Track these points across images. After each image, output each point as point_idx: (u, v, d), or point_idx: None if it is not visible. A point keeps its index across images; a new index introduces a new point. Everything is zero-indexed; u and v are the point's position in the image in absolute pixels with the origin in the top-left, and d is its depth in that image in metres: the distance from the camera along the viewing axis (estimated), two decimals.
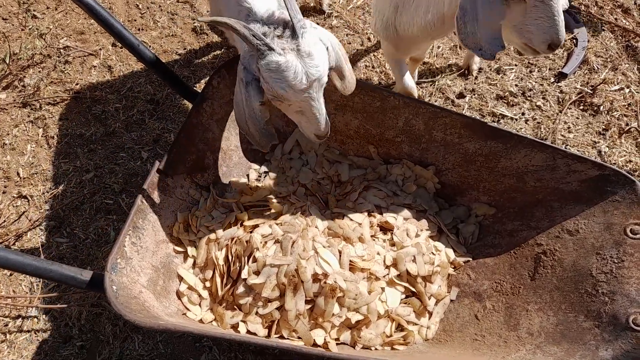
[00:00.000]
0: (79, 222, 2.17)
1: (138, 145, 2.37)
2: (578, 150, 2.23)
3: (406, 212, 1.70)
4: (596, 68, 2.48)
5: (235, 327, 1.49)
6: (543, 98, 2.42)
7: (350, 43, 2.63)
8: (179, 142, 1.63)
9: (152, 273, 1.49)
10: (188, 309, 1.53)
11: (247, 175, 1.83)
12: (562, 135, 2.29)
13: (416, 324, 1.56)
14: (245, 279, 1.51)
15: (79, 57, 2.67)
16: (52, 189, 2.27)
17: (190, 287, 1.57)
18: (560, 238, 1.51)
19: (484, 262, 1.65)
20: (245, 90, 1.30)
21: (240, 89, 1.32)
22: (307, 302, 1.48)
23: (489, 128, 1.59)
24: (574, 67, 2.46)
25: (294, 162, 1.85)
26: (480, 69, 2.50)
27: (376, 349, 1.51)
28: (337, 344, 1.48)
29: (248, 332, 1.48)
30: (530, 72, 2.50)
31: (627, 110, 2.36)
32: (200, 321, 1.52)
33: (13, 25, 2.81)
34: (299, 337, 1.47)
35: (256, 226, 1.64)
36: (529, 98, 2.41)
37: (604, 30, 2.63)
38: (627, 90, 2.41)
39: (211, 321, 1.52)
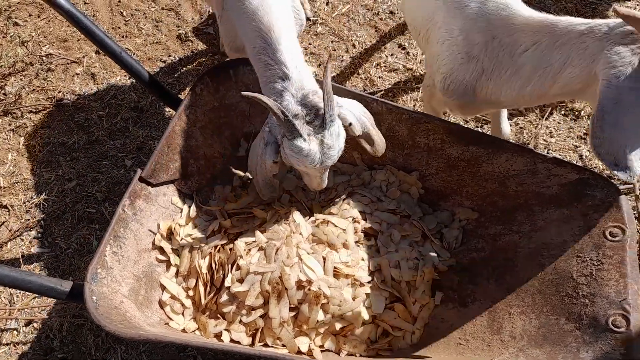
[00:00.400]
0: (60, 232, 2.14)
1: (122, 153, 2.35)
2: (560, 155, 2.26)
3: (390, 218, 1.71)
4: None
5: (218, 336, 1.47)
6: None
7: (335, 50, 2.65)
8: (162, 150, 1.62)
9: (133, 282, 1.48)
10: (171, 319, 1.51)
11: (231, 183, 1.82)
12: (544, 140, 2.32)
13: (401, 329, 1.56)
14: (228, 287, 1.50)
15: (62, 64, 2.65)
16: (33, 198, 2.24)
17: (173, 297, 1.55)
18: (542, 242, 1.52)
19: (468, 267, 1.66)
20: (264, 148, 1.43)
21: (260, 144, 1.45)
22: (291, 309, 1.47)
23: (471, 133, 1.61)
24: None
25: None
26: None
27: (361, 355, 1.51)
28: (321, 350, 1.48)
29: (232, 340, 1.46)
30: None
31: None
32: (183, 330, 1.50)
33: None
34: (283, 345, 1.46)
35: (240, 234, 1.63)
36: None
37: None
38: None
39: (194, 330, 1.51)
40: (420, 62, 2.60)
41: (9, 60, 2.66)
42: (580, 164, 2.22)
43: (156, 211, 1.62)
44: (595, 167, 2.26)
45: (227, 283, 1.49)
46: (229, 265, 1.53)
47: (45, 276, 1.37)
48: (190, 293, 1.57)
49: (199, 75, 2.58)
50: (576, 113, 2.39)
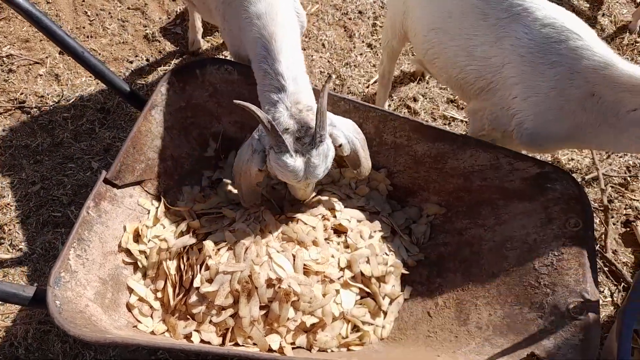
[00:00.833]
0: (24, 237, 2.08)
1: (88, 155, 2.30)
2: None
3: (359, 215, 1.73)
4: None
5: (188, 337, 1.46)
6: None
7: (305, 49, 2.65)
8: (127, 151, 1.59)
9: (99, 286, 1.45)
10: (139, 321, 1.49)
11: (200, 183, 1.81)
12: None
13: (371, 324, 1.58)
14: (198, 288, 1.48)
15: (24, 65, 2.58)
16: None
17: (140, 299, 1.53)
18: (506, 235, 1.57)
19: (436, 261, 1.69)
20: (252, 155, 1.43)
21: (248, 151, 1.45)
22: (261, 307, 1.47)
23: (436, 130, 1.64)
24: None
25: None
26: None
27: (332, 351, 1.52)
28: (293, 348, 1.48)
29: (202, 341, 1.45)
30: None
31: None
32: (152, 333, 1.48)
33: None
34: (254, 344, 1.46)
35: (209, 234, 1.62)
36: None
37: None
38: None
39: (163, 332, 1.49)
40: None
41: None
42: (542, 158, 2.29)
43: (122, 213, 1.59)
44: (558, 162, 2.34)
45: (196, 284, 1.48)
46: (198, 266, 1.52)
47: (7, 282, 1.33)
48: (159, 295, 1.55)
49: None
50: None
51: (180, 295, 1.51)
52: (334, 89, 2.52)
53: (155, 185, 1.70)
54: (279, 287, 1.46)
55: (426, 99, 2.51)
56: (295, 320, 1.48)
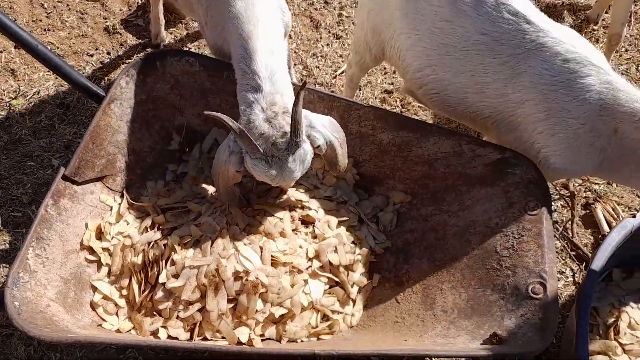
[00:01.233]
0: None
1: (48, 152, 2.23)
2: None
3: (327, 205, 1.73)
4: None
5: (155, 333, 1.44)
6: None
7: None
8: (86, 147, 1.55)
9: (61, 285, 1.41)
10: (104, 320, 1.47)
11: (164, 177, 1.78)
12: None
13: (341, 313, 1.60)
14: (163, 284, 1.47)
15: None
16: None
17: (105, 297, 1.50)
18: (469, 219, 1.60)
19: (403, 247, 1.71)
20: (229, 156, 1.43)
21: (225, 151, 1.45)
22: (229, 300, 1.46)
23: (400, 118, 1.65)
24: None
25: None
26: None
27: (302, 340, 1.53)
28: (262, 339, 1.48)
29: (169, 337, 1.44)
30: None
31: None
32: (118, 331, 1.46)
33: None
34: (222, 337, 1.45)
35: (174, 229, 1.59)
36: None
37: None
38: None
39: (129, 330, 1.47)
40: None
41: None
42: None
43: (83, 210, 1.55)
44: None
45: (162, 279, 1.46)
46: (164, 262, 1.50)
47: None
48: (124, 292, 1.52)
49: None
50: None
51: (146, 292, 1.49)
52: (301, 79, 2.51)
53: (118, 180, 1.67)
54: (247, 280, 1.46)
55: (396, 89, 2.53)
56: (263, 312, 1.48)
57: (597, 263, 1.65)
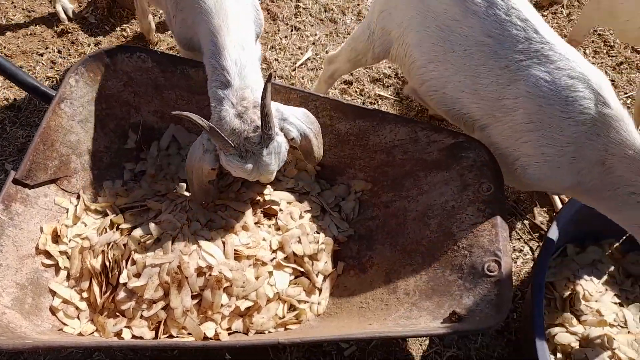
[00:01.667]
0: None
1: (0, 157, 2.15)
2: (445, 124, 2.43)
3: (289, 196, 1.74)
4: None
5: (119, 334, 1.42)
6: None
7: None
8: (37, 149, 1.51)
9: (17, 292, 1.38)
10: (65, 324, 1.44)
11: (122, 177, 1.75)
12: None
13: (307, 302, 1.61)
14: (125, 284, 1.45)
15: None
16: None
17: (65, 301, 1.47)
18: (427, 204, 1.64)
19: (365, 235, 1.74)
20: (203, 155, 1.42)
21: (199, 149, 1.43)
22: (193, 297, 1.46)
23: (355, 108, 1.67)
24: None
25: (173, 158, 1.80)
26: None
27: (270, 331, 1.54)
28: (229, 333, 1.48)
29: (134, 337, 1.42)
30: None
31: None
32: (80, 334, 1.43)
33: None
34: (189, 334, 1.45)
35: (134, 228, 1.57)
36: (402, 78, 2.57)
37: None
38: None
39: (92, 332, 1.44)
40: (314, 44, 2.63)
41: None
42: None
43: (37, 214, 1.51)
44: None
45: (123, 279, 1.45)
46: (124, 262, 1.48)
47: None
48: (85, 295, 1.50)
49: None
50: None
51: (108, 293, 1.47)
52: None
53: (73, 182, 1.63)
54: (210, 275, 1.46)
55: (353, 78, 2.55)
56: (229, 305, 1.48)
57: (551, 237, 1.73)
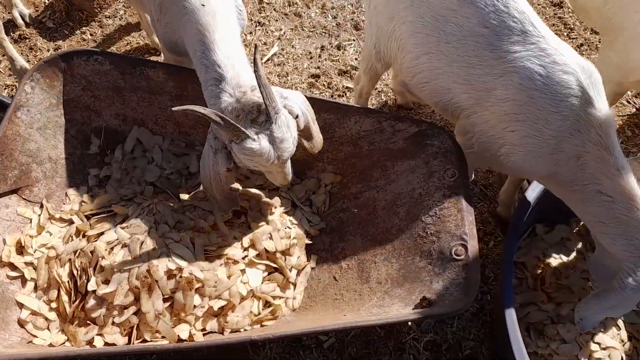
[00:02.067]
0: None
1: None
2: (412, 113, 2.45)
3: (258, 193, 1.74)
4: None
5: (90, 342, 1.41)
6: None
7: None
8: None
9: None
10: (35, 336, 1.41)
11: (87, 183, 1.72)
12: None
13: (282, 297, 1.62)
14: (94, 291, 1.43)
15: None
16: None
17: (33, 312, 1.44)
18: (395, 192, 1.66)
19: (337, 227, 1.75)
20: (214, 157, 1.36)
21: (209, 154, 1.37)
22: (165, 300, 1.45)
23: (319, 102, 1.67)
24: None
25: (138, 161, 1.77)
26: (322, 47, 2.61)
27: (245, 329, 1.54)
28: (204, 334, 1.48)
29: (106, 344, 1.41)
30: None
31: None
32: (51, 345, 1.41)
33: None
34: (163, 337, 1.44)
35: (101, 234, 1.55)
36: None
37: None
38: None
39: (64, 342, 1.42)
40: (279, 39, 2.62)
41: None
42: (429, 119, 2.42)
43: None
44: (445, 119, 2.49)
45: (92, 287, 1.43)
46: (92, 269, 1.46)
47: None
48: (54, 305, 1.47)
49: None
50: None
51: (77, 302, 1.45)
52: None
53: (35, 191, 1.60)
54: (181, 277, 1.45)
55: (321, 71, 2.55)
56: (202, 306, 1.48)
57: (517, 216, 1.76)
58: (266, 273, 1.63)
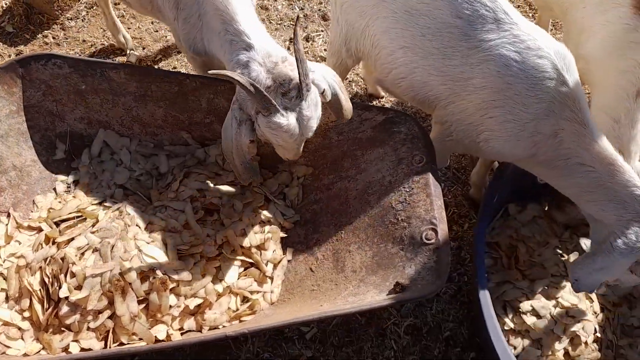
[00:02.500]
0: None
1: None
2: (386, 101, 2.46)
3: (230, 190, 1.74)
4: None
5: (66, 349, 1.40)
6: None
7: (152, 23, 2.53)
8: None
9: None
10: (8, 346, 1.40)
11: (54, 189, 1.70)
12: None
13: (259, 292, 1.62)
14: (67, 297, 1.42)
15: None
16: None
17: (6, 323, 1.43)
18: (366, 181, 1.67)
19: (311, 218, 1.76)
20: (238, 128, 1.33)
21: (232, 125, 1.34)
22: (140, 301, 1.44)
23: None
24: None
25: (107, 164, 1.75)
26: (290, 39, 2.60)
27: (224, 326, 1.54)
28: (182, 333, 1.48)
29: (82, 349, 1.40)
30: None
31: None
32: (26, 355, 1.40)
33: None
34: (140, 339, 1.44)
35: (71, 240, 1.53)
36: None
37: None
38: None
39: (39, 351, 1.41)
40: None
41: None
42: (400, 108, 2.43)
43: None
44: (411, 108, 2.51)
45: (64, 293, 1.41)
46: (63, 275, 1.44)
47: None
48: (27, 314, 1.45)
49: None
50: None
51: (50, 309, 1.43)
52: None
53: (1, 200, 1.57)
54: (154, 278, 1.44)
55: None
56: (178, 306, 1.48)
57: (487, 196, 1.79)
58: (242, 268, 1.63)
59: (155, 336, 1.43)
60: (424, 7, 1.53)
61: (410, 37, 1.57)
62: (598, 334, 1.75)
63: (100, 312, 1.42)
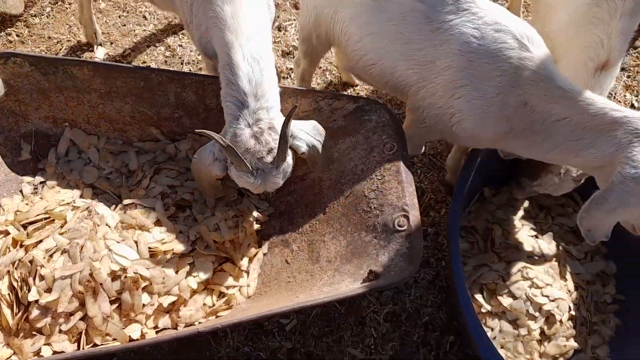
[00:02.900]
0: None
1: None
2: (361, 89, 2.45)
3: None
4: None
5: (38, 353, 1.38)
6: None
7: (124, 25, 2.48)
8: None
9: None
10: None
11: (21, 191, 1.66)
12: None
13: (235, 286, 1.62)
14: (37, 301, 1.39)
15: None
16: None
17: None
18: (339, 171, 1.66)
19: (285, 210, 1.75)
20: (212, 162, 1.44)
21: (210, 154, 1.45)
22: (112, 302, 1.43)
23: None
24: None
25: (74, 163, 1.72)
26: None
27: (200, 322, 1.53)
28: (157, 331, 1.47)
29: (54, 352, 1.38)
30: None
31: None
32: None
33: None
34: (114, 339, 1.42)
35: (39, 242, 1.50)
36: None
37: None
38: None
39: (10, 357, 1.39)
40: None
41: None
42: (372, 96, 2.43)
43: None
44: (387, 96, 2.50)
45: (33, 297, 1.39)
46: (32, 278, 1.42)
47: None
48: None
49: None
50: None
51: (20, 314, 1.41)
52: (165, 61, 2.41)
53: None
54: (125, 277, 1.42)
55: None
56: (152, 304, 1.46)
57: (460, 180, 1.80)
58: (217, 264, 1.62)
59: (130, 335, 1.42)
60: None
61: (376, 23, 1.57)
62: (572, 312, 1.78)
63: (71, 314, 1.40)
